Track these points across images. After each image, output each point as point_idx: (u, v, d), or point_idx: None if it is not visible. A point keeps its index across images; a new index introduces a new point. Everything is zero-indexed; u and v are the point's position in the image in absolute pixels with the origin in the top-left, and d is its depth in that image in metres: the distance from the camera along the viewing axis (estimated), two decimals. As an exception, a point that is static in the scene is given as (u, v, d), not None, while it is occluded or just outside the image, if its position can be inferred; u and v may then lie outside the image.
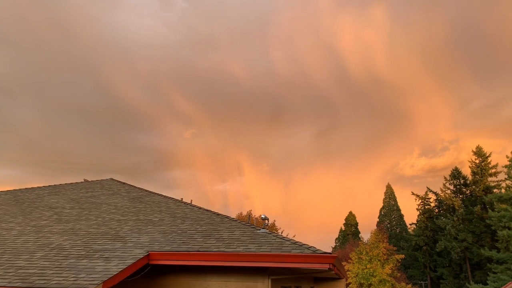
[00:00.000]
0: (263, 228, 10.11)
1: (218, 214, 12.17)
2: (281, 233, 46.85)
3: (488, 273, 49.05)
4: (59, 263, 8.42)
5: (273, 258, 8.31)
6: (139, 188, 16.47)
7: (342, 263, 39.02)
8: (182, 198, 15.38)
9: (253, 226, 10.58)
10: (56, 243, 9.96)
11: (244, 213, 54.34)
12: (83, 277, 7.44)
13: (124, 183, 17.57)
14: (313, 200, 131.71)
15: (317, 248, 8.63)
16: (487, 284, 46.05)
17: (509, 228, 44.52)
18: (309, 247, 8.54)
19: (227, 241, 9.36)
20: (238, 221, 11.47)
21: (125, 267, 7.96)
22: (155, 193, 15.50)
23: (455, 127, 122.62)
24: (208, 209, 13.04)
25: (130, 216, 12.48)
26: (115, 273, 7.60)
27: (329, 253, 8.20)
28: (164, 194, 15.27)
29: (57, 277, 7.58)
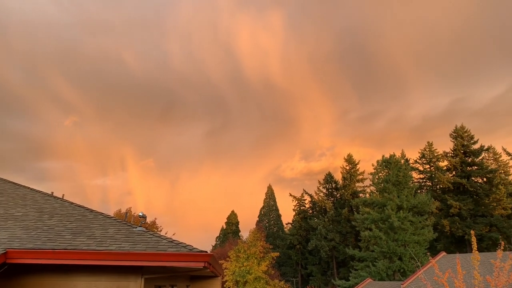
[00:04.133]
0: (140, 226, 9.81)
1: (92, 211, 11.48)
2: (161, 231, 45.90)
3: (351, 270, 54.07)
4: None
5: (148, 257, 8.11)
6: (2, 179, 14.75)
7: (221, 261, 39.58)
8: (52, 192, 14.16)
9: (129, 224, 10.21)
10: None
11: (124, 210, 52.16)
12: None
13: (-17, 172, 15.58)
14: (199, 199, 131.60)
15: (195, 246, 8.65)
16: (349, 280, 50.66)
17: (370, 230, 49.48)
18: (185, 246, 8.52)
19: (99, 239, 8.88)
20: (114, 218, 10.96)
21: (-25, 267, 7.08)
22: (21, 185, 14.03)
23: (333, 135, 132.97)
24: (82, 205, 12.22)
25: (-13, 210, 11.12)
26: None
27: (205, 252, 8.28)
28: (32, 187, 13.90)
29: None
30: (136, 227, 9.79)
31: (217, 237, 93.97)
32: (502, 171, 63.27)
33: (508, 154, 47.54)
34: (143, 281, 8.40)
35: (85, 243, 8.60)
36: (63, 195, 14.10)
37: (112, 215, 18.66)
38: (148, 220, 46.13)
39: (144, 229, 9.65)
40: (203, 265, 8.26)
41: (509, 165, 62.33)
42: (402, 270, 45.85)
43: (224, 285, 38.51)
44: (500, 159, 64.83)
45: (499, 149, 64.38)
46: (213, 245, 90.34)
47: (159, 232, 42.83)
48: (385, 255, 47.11)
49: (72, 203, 12.32)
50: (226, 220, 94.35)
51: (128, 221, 11.15)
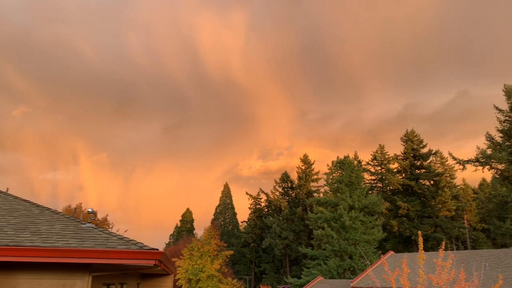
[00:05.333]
0: (89, 222, 9.50)
1: (38, 206, 10.97)
2: (111, 228, 44.70)
3: (303, 268, 54.99)
4: None
5: (96, 254, 7.86)
6: None
7: (174, 259, 39.09)
8: (-5, 186, 13.40)
9: (78, 220, 9.85)
10: None
11: (74, 206, 50.37)
12: None
13: None
14: (153, 196, 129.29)
15: (147, 244, 8.48)
16: (301, 278, 51.49)
17: (323, 228, 50.53)
18: (136, 243, 8.33)
19: (45, 235, 8.50)
20: (62, 214, 10.53)
21: None
22: (-40, 178, 13.19)
23: (291, 135, 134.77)
24: (28, 199, 11.66)
25: None
26: None
27: (156, 250, 8.12)
28: (-28, 180, 13.09)
29: None
30: (85, 224, 9.47)
31: (171, 235, 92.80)
32: (448, 175, 66.57)
33: (454, 158, 50.03)
34: (91, 279, 8.13)
35: (29, 239, 8.21)
36: (7, 189, 13.40)
37: (61, 210, 17.98)
38: (99, 216, 44.83)
39: (94, 225, 9.35)
40: (154, 263, 8.11)
41: (454, 169, 65.58)
42: (352, 269, 47.14)
43: (177, 283, 38.10)
44: (446, 163, 68.16)
45: (446, 154, 67.71)
46: (167, 243, 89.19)
47: (110, 229, 41.70)
48: (336, 254, 48.26)
49: (16, 197, 11.73)
50: (180, 218, 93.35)
51: (77, 217, 10.76)
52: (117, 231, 42.93)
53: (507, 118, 47.51)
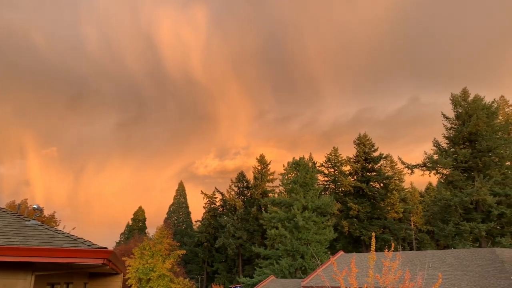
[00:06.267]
0: (34, 219, 9.07)
1: (-22, 201, 10.36)
2: (58, 225, 42.98)
3: (256, 267, 55.28)
4: None
5: (41, 253, 7.52)
6: None
7: (124, 258, 38.17)
8: None
9: (22, 217, 9.39)
10: None
11: (19, 201, 47.97)
12: None
13: None
14: (105, 193, 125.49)
15: (97, 243, 8.22)
16: (253, 277, 51.74)
17: (276, 228, 51.03)
18: (84, 242, 8.05)
19: (-16, 232, 8.04)
20: (4, 210, 10.00)
21: None
22: None
23: (249, 135, 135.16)
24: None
25: None
26: None
27: (105, 248, 7.89)
28: None
29: None
30: (29, 220, 9.04)
31: (121, 234, 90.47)
32: (397, 178, 69.23)
33: (403, 163, 52.10)
34: (34, 278, 7.77)
35: (-34, 236, 7.73)
36: None
37: (4, 206, 17.04)
38: (46, 213, 42.95)
39: (39, 222, 8.94)
40: (103, 262, 7.87)
41: (403, 173, 68.28)
42: (303, 268, 47.95)
43: (126, 283, 37.22)
44: (396, 167, 70.84)
45: (396, 158, 70.34)
46: (117, 241, 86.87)
47: (56, 227, 40.08)
48: (288, 253, 48.91)
49: (-46, 191, 11.00)
50: (132, 216, 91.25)
51: (21, 214, 10.26)
52: (63, 228, 41.32)
53: (453, 125, 50.04)
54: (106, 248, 7.92)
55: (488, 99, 48.47)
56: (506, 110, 56.76)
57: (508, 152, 46.49)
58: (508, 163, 47.92)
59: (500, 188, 44.86)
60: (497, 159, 46.38)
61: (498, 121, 49.64)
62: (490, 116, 47.10)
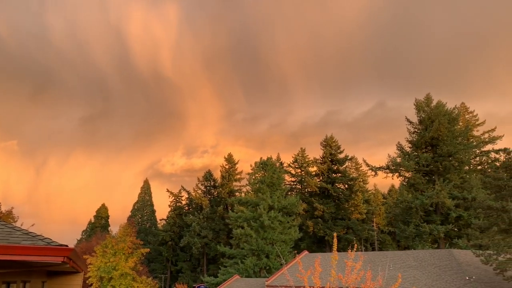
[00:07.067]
0: (-10, 215, 8.69)
1: None
2: (16, 222, 41.38)
3: (220, 267, 55.14)
4: None
5: (-4, 250, 7.20)
6: None
7: (85, 256, 37.20)
8: None
9: (-23, 212, 8.98)
10: None
11: (-27, 196, 45.88)
12: None
13: None
14: (67, 189, 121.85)
15: (57, 240, 7.96)
16: (217, 277, 51.59)
17: (242, 228, 51.07)
18: (43, 239, 7.78)
19: None
20: (-43, 204, 9.53)
21: None
22: None
23: (217, 133, 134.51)
24: None
25: None
26: None
27: (65, 246, 7.65)
28: None
29: None
30: (-16, 216, 8.65)
31: (83, 231, 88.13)
32: (361, 180, 70.74)
33: (367, 165, 53.35)
34: (-12, 277, 7.45)
35: None
36: None
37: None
38: (3, 209, 41.28)
39: (-5, 218, 8.57)
40: (62, 260, 7.62)
41: (367, 175, 69.82)
42: (268, 267, 48.22)
43: (87, 281, 36.30)
44: (360, 169, 72.39)
45: (360, 160, 71.87)
46: (79, 239, 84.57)
47: (14, 223, 38.57)
48: (253, 253, 49.06)
49: None
50: (95, 214, 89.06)
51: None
52: (22, 225, 39.82)
53: (416, 130, 51.60)
54: (67, 245, 7.68)
55: (450, 106, 50.37)
56: (466, 116, 59.08)
57: (467, 157, 48.41)
58: (467, 167, 49.92)
59: (458, 191, 46.63)
60: (456, 164, 48.16)
61: (459, 127, 51.57)
62: (451, 122, 48.86)
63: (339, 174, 65.87)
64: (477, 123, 58.36)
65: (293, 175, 70.13)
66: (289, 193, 64.89)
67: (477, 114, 59.63)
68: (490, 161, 48.78)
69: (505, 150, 25.93)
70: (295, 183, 70.62)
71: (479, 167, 50.69)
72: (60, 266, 10.02)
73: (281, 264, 44.41)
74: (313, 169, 68.45)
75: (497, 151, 30.26)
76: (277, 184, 53.13)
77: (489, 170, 34.15)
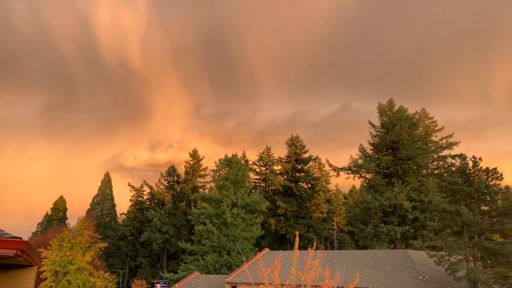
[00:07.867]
0: None
1: None
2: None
3: (181, 263, 54.70)
4: None
5: None
6: None
7: (40, 249, 36.00)
8: None
9: None
10: None
11: None
12: None
13: None
14: (24, 180, 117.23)
15: (8, 232, 7.66)
16: (177, 273, 51.17)
17: (204, 224, 50.86)
18: (-5, 230, 7.45)
19: None
20: None
21: None
22: None
23: (183, 128, 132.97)
24: None
25: None
26: None
27: (19, 238, 7.36)
28: None
29: None
30: None
31: (39, 224, 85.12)
32: (324, 180, 71.90)
33: (330, 165, 54.31)
34: None
35: None
36: None
37: None
38: (-48, 198, 39.28)
39: None
40: (15, 253, 7.32)
41: (329, 175, 71.02)
42: (228, 264, 48.26)
43: (41, 276, 35.16)
44: (323, 169, 73.52)
45: (324, 160, 73.03)
46: (34, 231, 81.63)
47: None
48: (215, 249, 48.95)
49: None
50: (52, 206, 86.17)
51: None
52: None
53: (378, 133, 52.98)
54: (20, 238, 7.39)
55: (411, 111, 52.02)
56: (426, 122, 61.17)
57: (425, 161, 50.18)
58: (425, 171, 51.71)
59: (416, 194, 48.28)
60: (415, 167, 49.82)
61: (419, 131, 53.34)
62: (411, 127, 50.48)
63: (303, 174, 66.68)
64: (436, 128, 60.54)
65: (257, 173, 70.39)
66: (253, 191, 65.11)
67: (436, 120, 61.92)
68: (446, 166, 50.73)
69: (461, 156, 27.07)
70: (259, 181, 70.90)
71: (436, 171, 52.60)
72: (12, 259, 9.64)
73: (242, 261, 44.55)
74: (277, 167, 68.97)
75: (453, 157, 31.57)
76: (241, 181, 53.21)
77: (445, 174, 35.52)
